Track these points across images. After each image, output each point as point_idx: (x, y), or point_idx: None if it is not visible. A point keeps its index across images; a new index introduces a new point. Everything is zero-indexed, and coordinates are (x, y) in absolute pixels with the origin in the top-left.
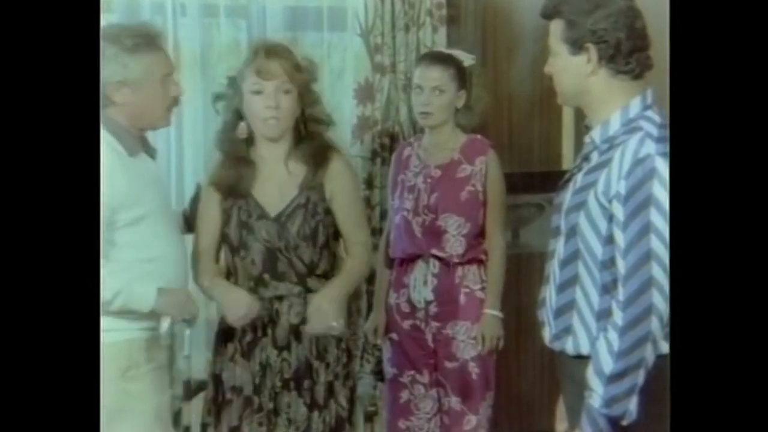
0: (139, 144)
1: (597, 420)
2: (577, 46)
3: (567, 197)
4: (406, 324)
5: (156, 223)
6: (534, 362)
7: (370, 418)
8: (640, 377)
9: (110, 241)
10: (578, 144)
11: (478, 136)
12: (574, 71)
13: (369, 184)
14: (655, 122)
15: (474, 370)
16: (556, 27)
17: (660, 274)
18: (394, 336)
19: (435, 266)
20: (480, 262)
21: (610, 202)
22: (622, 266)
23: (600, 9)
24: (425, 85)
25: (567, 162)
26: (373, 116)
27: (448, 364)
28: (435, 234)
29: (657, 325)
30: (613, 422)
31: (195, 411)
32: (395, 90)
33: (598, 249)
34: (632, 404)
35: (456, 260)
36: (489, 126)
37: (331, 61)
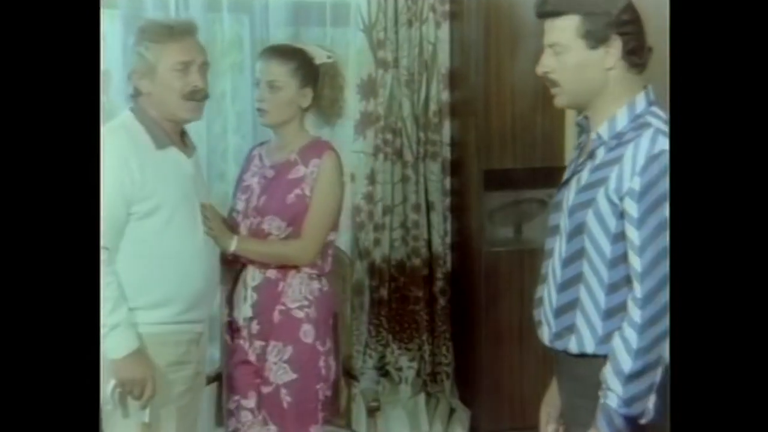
0: (170, 138)
1: (614, 420)
2: (598, 39)
3: (570, 195)
4: (234, 342)
5: (171, 219)
6: (536, 357)
7: (372, 413)
8: (658, 375)
9: (119, 232)
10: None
11: (322, 138)
12: (593, 66)
13: (371, 179)
14: (662, 118)
15: (286, 398)
16: (567, 23)
17: None
18: (223, 355)
19: (255, 278)
20: (306, 276)
21: (621, 199)
22: (638, 264)
23: (619, 0)
24: (261, 80)
25: (570, 158)
26: (375, 112)
27: (264, 389)
28: (259, 238)
29: None
30: (631, 421)
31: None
32: (398, 85)
33: (607, 247)
34: (651, 403)
35: (273, 267)
36: (492, 121)
37: None
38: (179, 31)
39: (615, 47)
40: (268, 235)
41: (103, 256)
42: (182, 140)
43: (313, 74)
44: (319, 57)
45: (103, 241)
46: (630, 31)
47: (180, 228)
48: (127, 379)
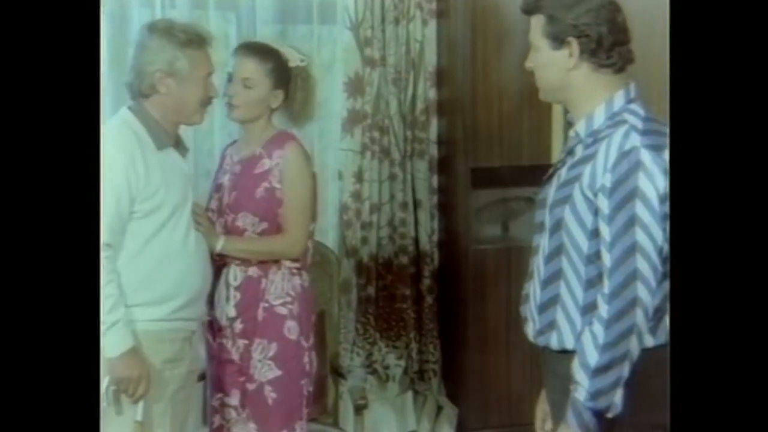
0: (169, 139)
1: (582, 413)
2: (558, 40)
3: (551, 192)
4: (216, 341)
5: (170, 218)
6: (523, 355)
7: (359, 410)
8: (625, 370)
9: (122, 230)
10: (567, 138)
11: (286, 130)
12: (556, 66)
13: (359, 177)
14: (639, 115)
15: (270, 395)
16: (537, 22)
17: (645, 266)
18: (206, 354)
19: (236, 277)
20: (288, 272)
21: (595, 195)
22: (607, 259)
23: (581, 3)
24: (235, 76)
25: (556, 155)
26: (363, 110)
27: (248, 386)
28: (235, 235)
29: (641, 317)
30: (599, 415)
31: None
32: (385, 83)
33: (584, 243)
34: (617, 397)
35: (254, 264)
36: (479, 119)
37: (321, 54)
38: (209, 41)
39: (573, 49)
40: (244, 231)
41: (107, 253)
42: (177, 142)
43: (286, 76)
44: (293, 60)
45: (108, 238)
46: (589, 33)
47: (178, 227)
48: (122, 378)
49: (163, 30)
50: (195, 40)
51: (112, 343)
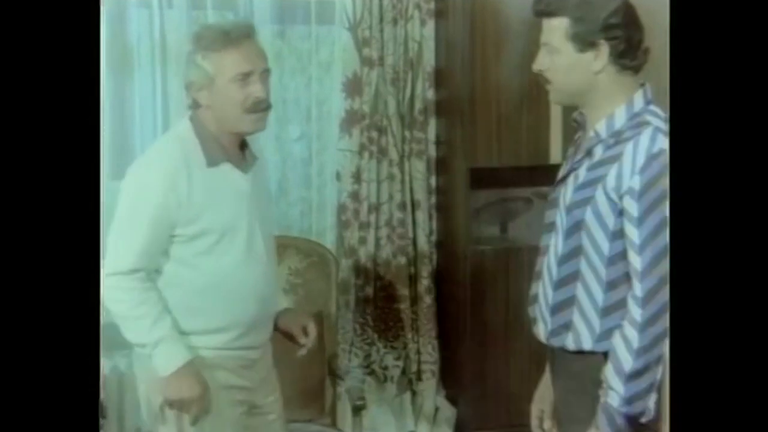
0: (224, 153)
1: (615, 418)
2: (586, 42)
3: (568, 193)
4: None
5: (219, 242)
6: (522, 356)
7: (357, 411)
8: (658, 374)
9: (160, 254)
10: (566, 138)
11: None
12: (581, 69)
13: (357, 178)
14: (661, 117)
15: None
16: (558, 24)
17: None
18: None
19: None
20: None
21: (621, 197)
22: (637, 262)
23: (609, 3)
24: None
25: (555, 156)
26: (361, 110)
27: None
28: None
29: None
30: (632, 420)
31: None
32: (383, 84)
33: (605, 244)
34: (651, 402)
35: None
36: (477, 119)
37: (319, 54)
38: (237, 36)
39: (602, 52)
40: None
41: (136, 276)
42: (242, 152)
43: None
44: None
45: (138, 263)
46: (618, 35)
47: (229, 251)
48: (175, 399)
49: (195, 37)
50: (218, 39)
51: (163, 362)
